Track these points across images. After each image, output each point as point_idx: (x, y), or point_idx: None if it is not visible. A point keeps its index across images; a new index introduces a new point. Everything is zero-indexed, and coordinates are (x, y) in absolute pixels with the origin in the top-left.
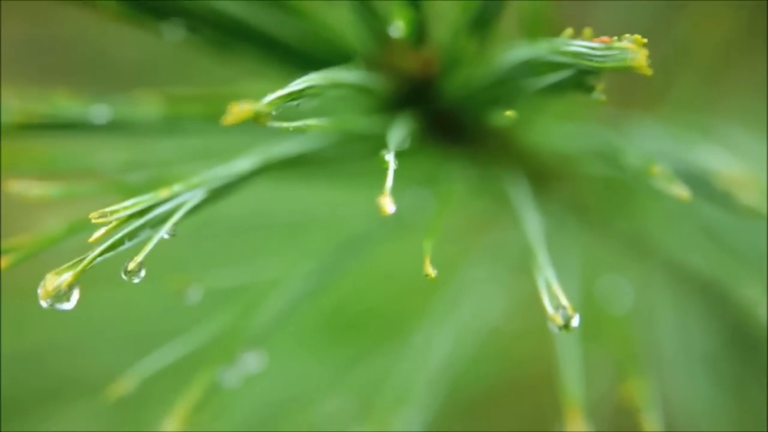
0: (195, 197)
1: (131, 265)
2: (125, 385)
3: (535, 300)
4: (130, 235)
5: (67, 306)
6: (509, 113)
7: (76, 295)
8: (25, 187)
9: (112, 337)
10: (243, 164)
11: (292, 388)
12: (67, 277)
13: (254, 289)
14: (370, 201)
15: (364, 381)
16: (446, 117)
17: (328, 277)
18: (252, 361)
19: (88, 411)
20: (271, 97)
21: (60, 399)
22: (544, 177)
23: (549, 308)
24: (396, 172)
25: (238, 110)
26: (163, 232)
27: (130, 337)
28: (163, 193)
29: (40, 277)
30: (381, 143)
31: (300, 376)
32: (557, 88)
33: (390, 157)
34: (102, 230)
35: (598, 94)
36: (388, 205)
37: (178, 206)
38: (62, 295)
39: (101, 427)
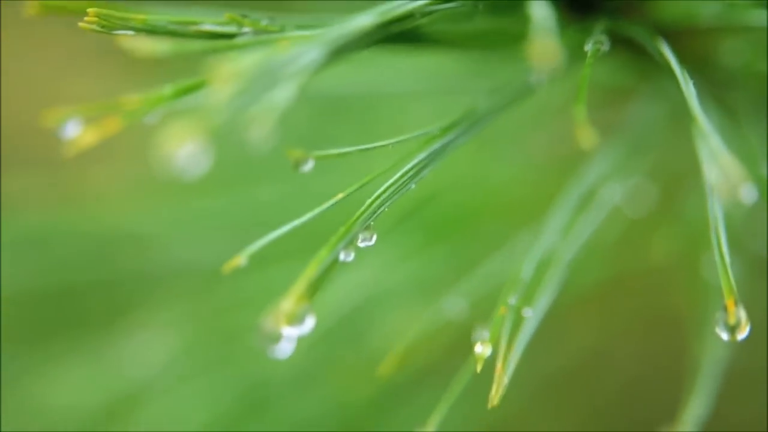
0: (315, 55)
1: (259, 131)
2: (239, 261)
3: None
4: (249, 94)
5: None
6: None
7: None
8: (133, 45)
9: (213, 227)
10: (364, 20)
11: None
12: (188, 134)
13: (362, 168)
14: (494, 69)
15: (472, 280)
16: None
17: (443, 154)
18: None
19: (187, 299)
20: None
21: (168, 276)
22: (685, 42)
23: (713, 178)
24: (516, 41)
25: None
26: (286, 93)
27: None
28: (281, 49)
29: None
30: (510, 3)
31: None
32: None
33: (541, 6)
34: (220, 87)
35: None
36: (547, 58)
37: (298, 65)
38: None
39: (209, 308)
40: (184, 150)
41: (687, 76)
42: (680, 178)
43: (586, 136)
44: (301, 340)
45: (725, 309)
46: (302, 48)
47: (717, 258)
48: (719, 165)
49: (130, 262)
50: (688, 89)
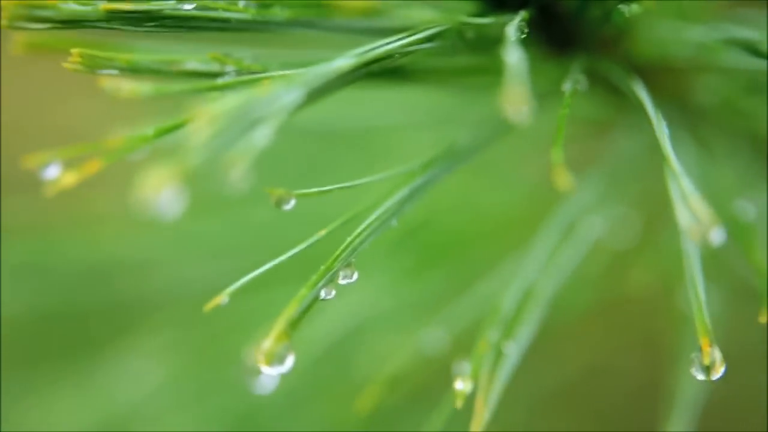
0: (294, 96)
1: (236, 172)
2: (220, 299)
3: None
4: (228, 134)
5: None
6: (634, 8)
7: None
8: (116, 85)
9: (208, 252)
10: (344, 62)
11: (373, 311)
12: (165, 179)
13: (345, 201)
14: (475, 106)
15: (453, 307)
16: (554, 18)
17: (424, 190)
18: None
19: (180, 325)
20: None
21: (153, 311)
22: (661, 79)
23: (684, 221)
24: (496, 77)
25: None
26: (264, 133)
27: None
28: (261, 90)
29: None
30: (489, 42)
31: (383, 298)
32: None
33: (515, 52)
34: (199, 125)
35: None
36: (519, 106)
37: (277, 106)
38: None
39: (193, 343)
40: (163, 194)
41: (660, 115)
42: (662, 207)
43: (563, 179)
44: (292, 364)
45: (700, 349)
46: (281, 89)
47: (692, 297)
48: (690, 207)
49: (125, 287)
50: (661, 129)
